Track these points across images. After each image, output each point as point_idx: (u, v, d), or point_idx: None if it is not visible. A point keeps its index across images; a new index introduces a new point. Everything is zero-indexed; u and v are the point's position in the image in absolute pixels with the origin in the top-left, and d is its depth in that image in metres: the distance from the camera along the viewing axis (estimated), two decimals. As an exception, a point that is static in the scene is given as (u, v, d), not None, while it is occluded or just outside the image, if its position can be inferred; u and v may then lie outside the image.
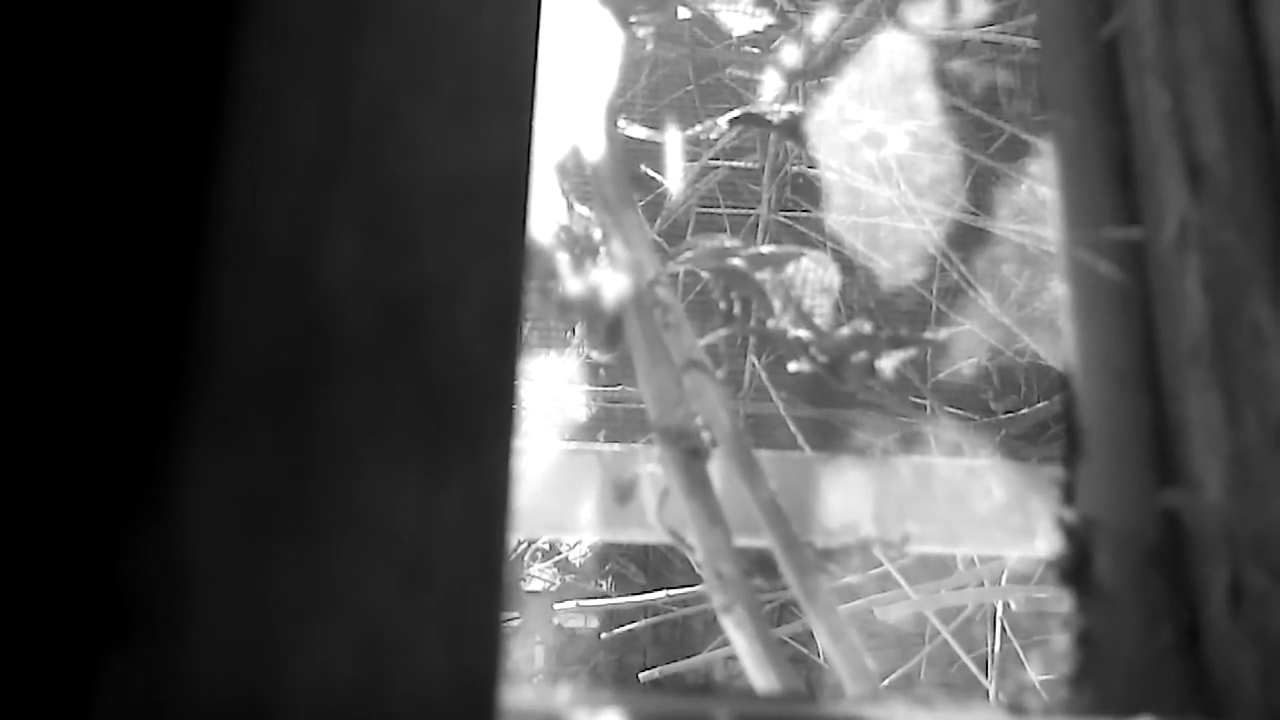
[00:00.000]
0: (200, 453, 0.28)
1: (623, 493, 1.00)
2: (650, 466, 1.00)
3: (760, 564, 1.08)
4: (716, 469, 0.92)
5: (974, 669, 1.81)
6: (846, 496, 0.98)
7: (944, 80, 2.02)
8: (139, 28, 0.31)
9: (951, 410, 2.15)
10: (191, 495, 0.28)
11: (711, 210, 2.30)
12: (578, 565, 2.27)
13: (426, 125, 0.32)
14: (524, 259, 0.37)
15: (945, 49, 2.01)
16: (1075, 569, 0.52)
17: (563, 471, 1.06)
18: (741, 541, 0.95)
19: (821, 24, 2.00)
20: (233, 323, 0.29)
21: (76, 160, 0.30)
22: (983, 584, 1.84)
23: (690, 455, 0.90)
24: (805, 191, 2.25)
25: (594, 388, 2.02)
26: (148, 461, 0.28)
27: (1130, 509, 0.52)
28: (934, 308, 2.21)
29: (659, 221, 2.12)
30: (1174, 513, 0.50)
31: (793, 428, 1.93)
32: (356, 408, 0.30)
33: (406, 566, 0.31)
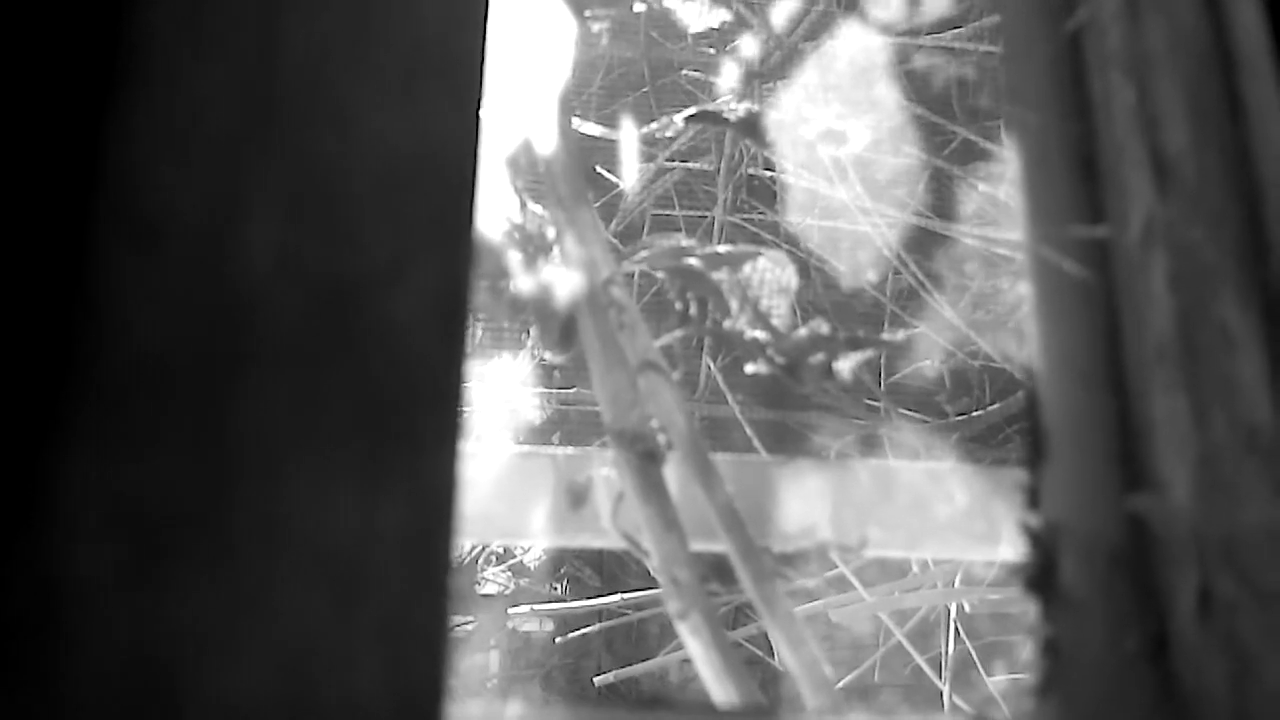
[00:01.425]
0: (87, 461, 0.25)
1: (577, 497, 0.98)
2: (605, 470, 0.98)
3: (717, 569, 1.06)
4: (672, 473, 0.91)
5: (929, 671, 1.81)
6: (804, 501, 0.97)
7: (902, 80, 2.02)
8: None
9: (906, 413, 2.16)
10: (75, 509, 0.25)
11: (667, 211, 2.29)
12: (532, 569, 2.25)
13: (362, 100, 0.30)
14: (472, 248, 0.35)
15: (904, 49, 2.01)
16: (1040, 575, 0.51)
17: (515, 475, 1.04)
18: (698, 546, 0.94)
19: (779, 20, 2.00)
20: (128, 311, 0.26)
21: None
22: (937, 586, 1.84)
23: (646, 459, 0.88)
24: (761, 193, 2.24)
25: (548, 389, 2.00)
26: (23, 472, 0.25)
27: (1096, 513, 0.51)
28: (889, 309, 2.22)
29: (614, 222, 2.11)
30: (1141, 517, 0.49)
31: (749, 430, 1.92)
32: (282, 407, 0.27)
33: (340, 580, 0.29)
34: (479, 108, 0.36)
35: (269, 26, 0.29)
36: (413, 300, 0.30)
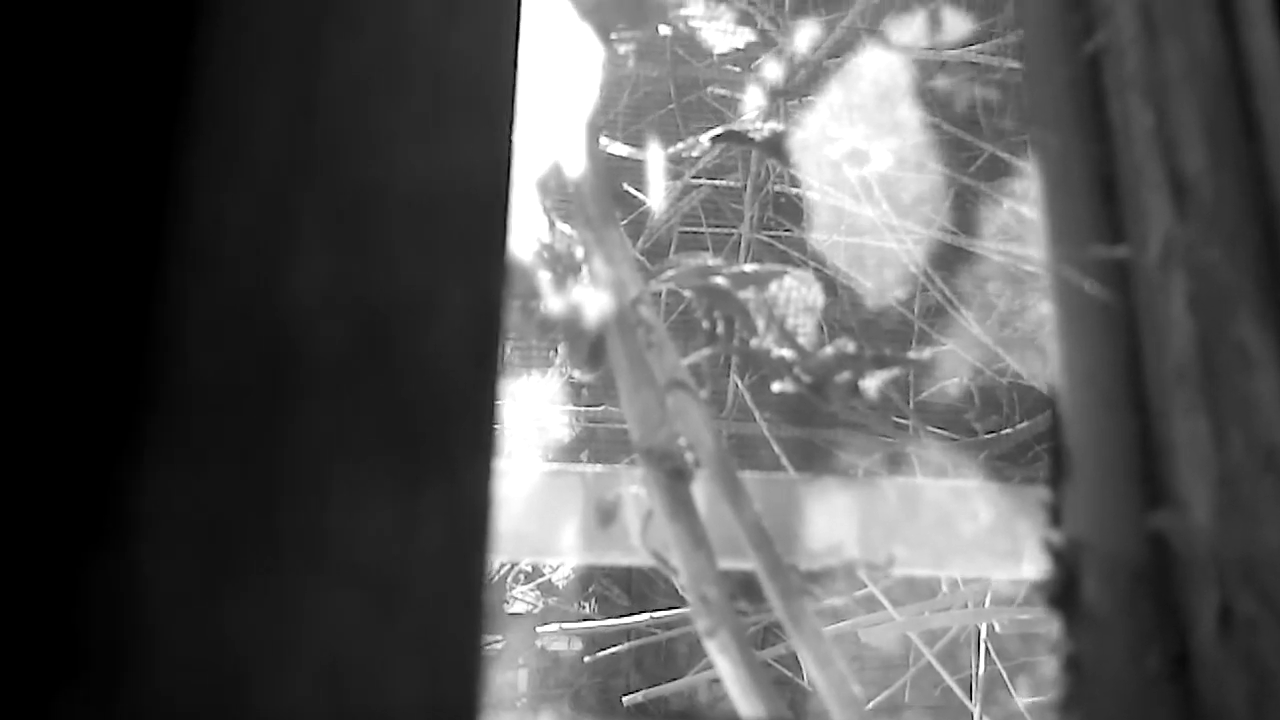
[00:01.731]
0: (160, 478, 0.27)
1: (606, 515, 0.99)
2: (634, 488, 0.99)
3: (745, 587, 1.07)
4: (700, 491, 0.91)
5: (959, 692, 1.80)
6: (831, 519, 0.97)
7: (926, 98, 2.02)
8: (94, 22, 0.30)
9: (934, 430, 2.15)
10: (151, 524, 0.26)
11: (694, 229, 2.30)
12: (560, 587, 2.25)
13: (400, 131, 0.31)
14: (504, 273, 0.37)
15: (927, 67, 2.01)
16: (1063, 593, 0.52)
17: (545, 493, 1.05)
18: (726, 564, 0.94)
19: (803, 41, 2.01)
20: (195, 338, 0.28)
21: (24, 165, 0.29)
22: (967, 605, 1.83)
23: (674, 477, 0.89)
24: (787, 210, 2.25)
25: (577, 407, 2.01)
26: (104, 489, 0.26)
27: (1118, 532, 0.52)
28: (916, 327, 2.21)
29: (641, 240, 2.12)
30: (1162, 536, 0.50)
31: (776, 448, 1.92)
32: (327, 429, 0.29)
33: (379, 593, 0.30)
34: (511, 134, 0.38)
35: (311, 60, 0.30)
36: (447, 326, 0.32)
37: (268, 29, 0.30)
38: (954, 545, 0.96)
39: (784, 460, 1.87)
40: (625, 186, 2.02)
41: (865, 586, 1.50)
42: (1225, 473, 0.48)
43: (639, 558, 0.99)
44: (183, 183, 0.28)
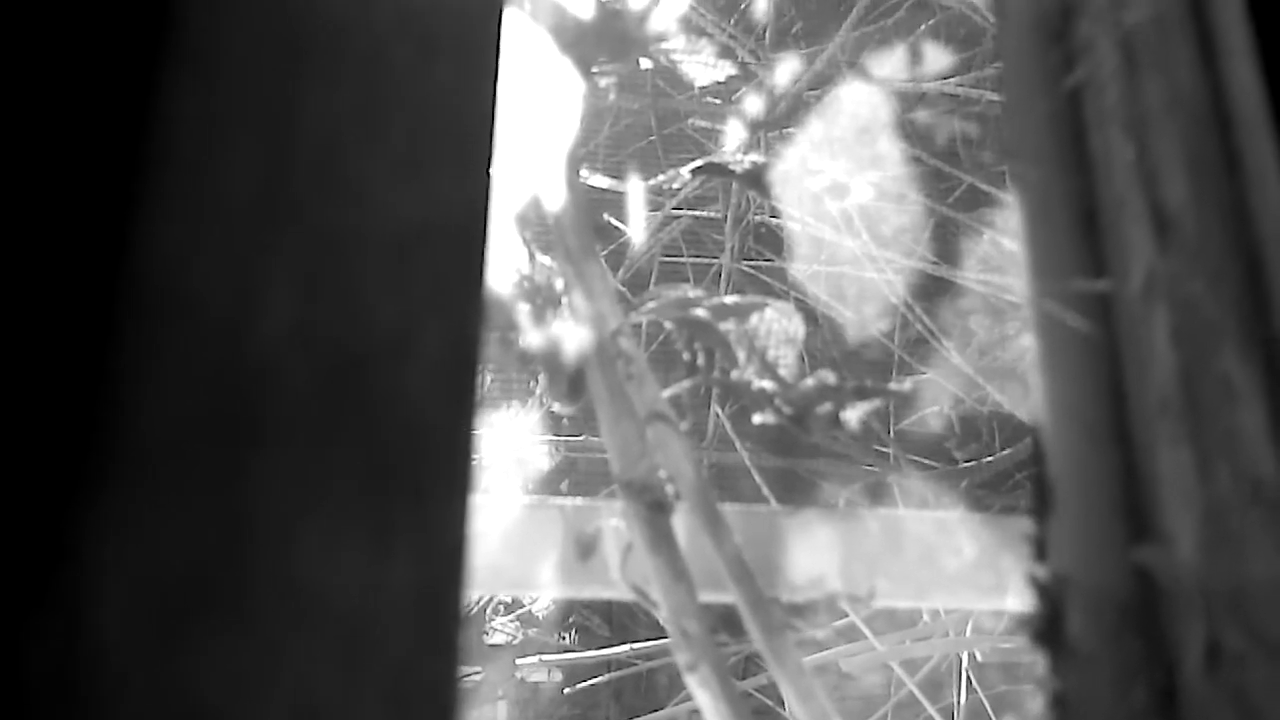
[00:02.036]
0: (112, 529, 0.26)
1: (585, 548, 0.98)
2: (613, 521, 0.98)
3: (726, 620, 1.06)
4: (681, 523, 0.91)
5: (941, 722, 1.79)
6: (813, 551, 0.97)
7: (906, 130, 2.04)
8: (62, 63, 0.29)
9: (915, 459, 2.15)
10: (101, 576, 0.26)
11: (675, 259, 2.30)
12: (540, 618, 2.24)
13: (376, 174, 0.30)
14: (481, 313, 0.36)
15: (907, 99, 2.03)
16: (1048, 628, 0.51)
17: (524, 527, 1.04)
18: (707, 597, 0.93)
19: (784, 74, 2.02)
20: (155, 383, 0.27)
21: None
22: (948, 634, 1.83)
23: (654, 509, 0.88)
24: (768, 240, 2.26)
25: (557, 437, 2.00)
26: (55, 539, 0.26)
27: (1103, 566, 0.51)
28: (897, 356, 2.22)
29: (622, 270, 2.12)
30: (1147, 570, 0.49)
31: (758, 477, 1.92)
32: (296, 473, 0.28)
33: (350, 640, 0.30)
34: (489, 171, 0.37)
35: (287, 104, 0.30)
36: (422, 367, 0.31)
37: (240, 75, 0.29)
38: (937, 579, 0.96)
39: (765, 490, 1.87)
40: (606, 217, 2.02)
41: (846, 615, 1.49)
42: (1211, 506, 0.47)
43: (619, 591, 0.98)
44: (146, 226, 0.28)
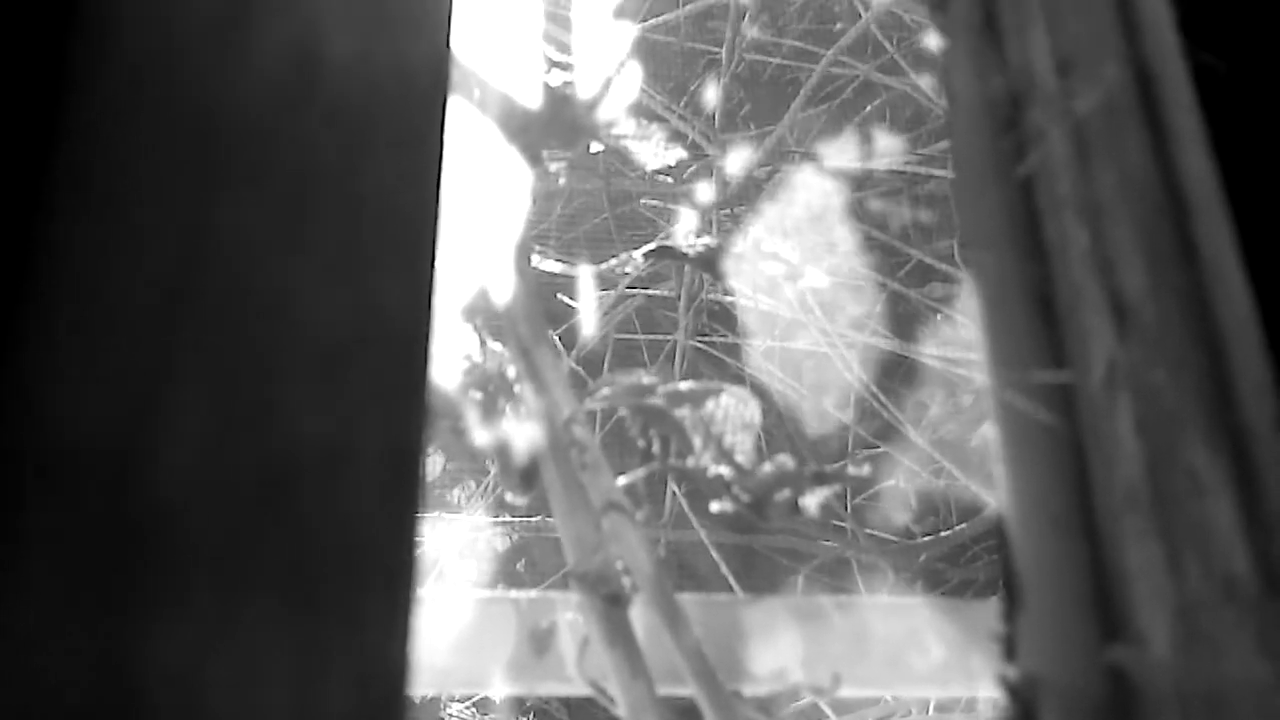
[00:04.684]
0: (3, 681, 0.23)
1: (540, 643, 0.95)
2: (569, 615, 0.96)
3: (686, 714, 1.03)
4: (638, 616, 0.88)
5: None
6: (774, 642, 0.95)
7: (857, 211, 2.06)
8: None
9: (872, 533, 2.15)
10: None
11: (629, 335, 2.30)
12: (497, 703, 2.18)
13: (301, 282, 0.29)
14: (422, 420, 0.34)
15: (857, 179, 2.05)
16: (1021, 732, 0.49)
17: (476, 622, 1.00)
18: (666, 692, 0.91)
19: (735, 157, 2.04)
20: (48, 534, 0.24)
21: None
22: (911, 713, 1.81)
23: (610, 602, 0.85)
24: (722, 318, 2.26)
25: (512, 518, 1.97)
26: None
27: (1074, 665, 0.50)
28: (852, 431, 2.22)
29: (575, 349, 2.11)
30: (1121, 670, 0.48)
31: (715, 554, 1.90)
32: (206, 610, 0.26)
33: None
34: (433, 269, 0.36)
35: (198, 215, 0.28)
36: (356, 483, 0.29)
37: (138, 190, 0.27)
38: (904, 675, 0.94)
39: (724, 568, 1.85)
40: (559, 296, 2.01)
41: (805, 697, 1.46)
42: (1183, 602, 0.46)
43: (576, 687, 0.95)
44: (21, 364, 0.25)
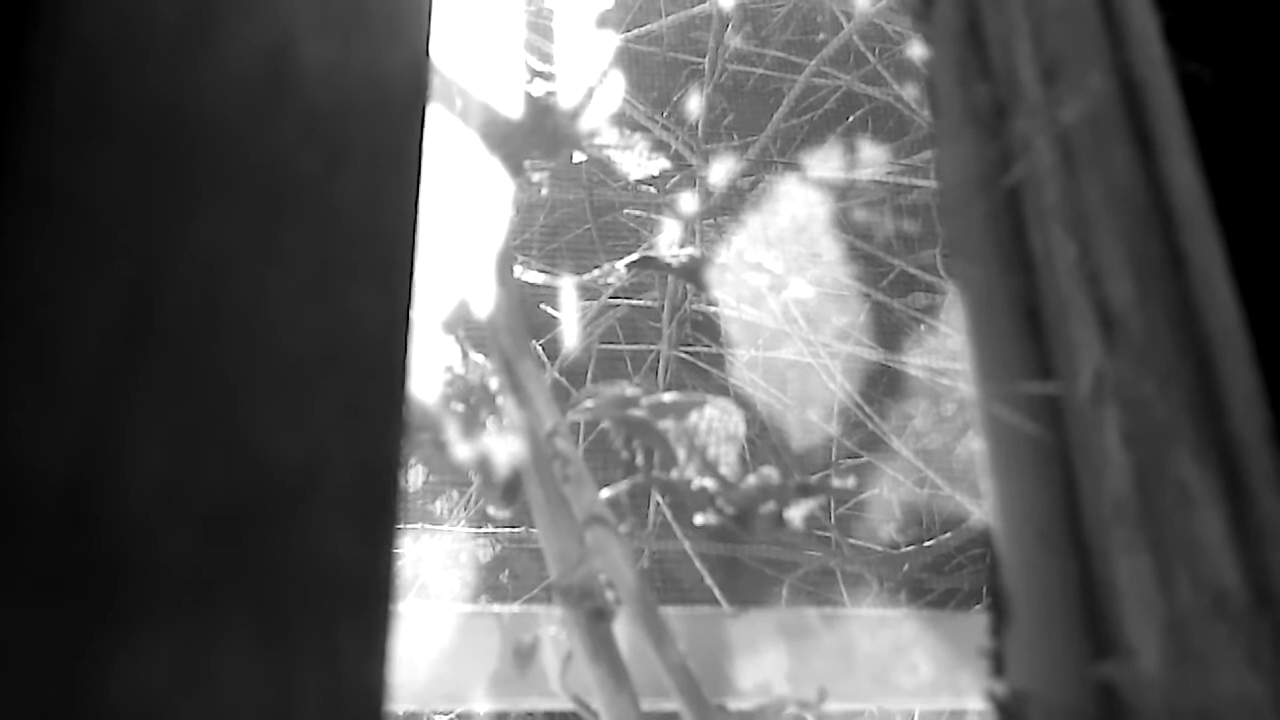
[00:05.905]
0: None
1: (523, 658, 0.94)
2: (552, 629, 0.95)
3: (671, 729, 1.02)
4: (622, 630, 0.87)
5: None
6: (759, 655, 0.94)
7: (844, 225, 2.06)
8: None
9: (856, 543, 2.14)
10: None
11: (612, 345, 2.29)
12: (480, 718, 2.16)
13: (273, 298, 0.28)
14: (399, 438, 0.33)
15: (840, 188, 2.05)
16: (1010, 750, 0.48)
17: (459, 636, 0.99)
18: (650, 706, 0.90)
19: (718, 167, 2.03)
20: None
21: None
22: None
23: (594, 616, 0.84)
24: (705, 328, 2.26)
25: (495, 529, 1.96)
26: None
27: (1064, 681, 0.49)
28: (836, 441, 2.21)
29: (558, 360, 2.10)
30: (1111, 686, 0.47)
31: (699, 565, 1.89)
32: (169, 645, 0.25)
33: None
34: (411, 284, 0.35)
35: (164, 228, 0.27)
36: (331, 503, 0.28)
37: (100, 204, 0.26)
38: (890, 689, 0.93)
39: (709, 579, 1.84)
40: (542, 307, 2.00)
41: (791, 711, 1.45)
42: (1173, 617, 0.46)
43: (559, 702, 0.94)
44: None
